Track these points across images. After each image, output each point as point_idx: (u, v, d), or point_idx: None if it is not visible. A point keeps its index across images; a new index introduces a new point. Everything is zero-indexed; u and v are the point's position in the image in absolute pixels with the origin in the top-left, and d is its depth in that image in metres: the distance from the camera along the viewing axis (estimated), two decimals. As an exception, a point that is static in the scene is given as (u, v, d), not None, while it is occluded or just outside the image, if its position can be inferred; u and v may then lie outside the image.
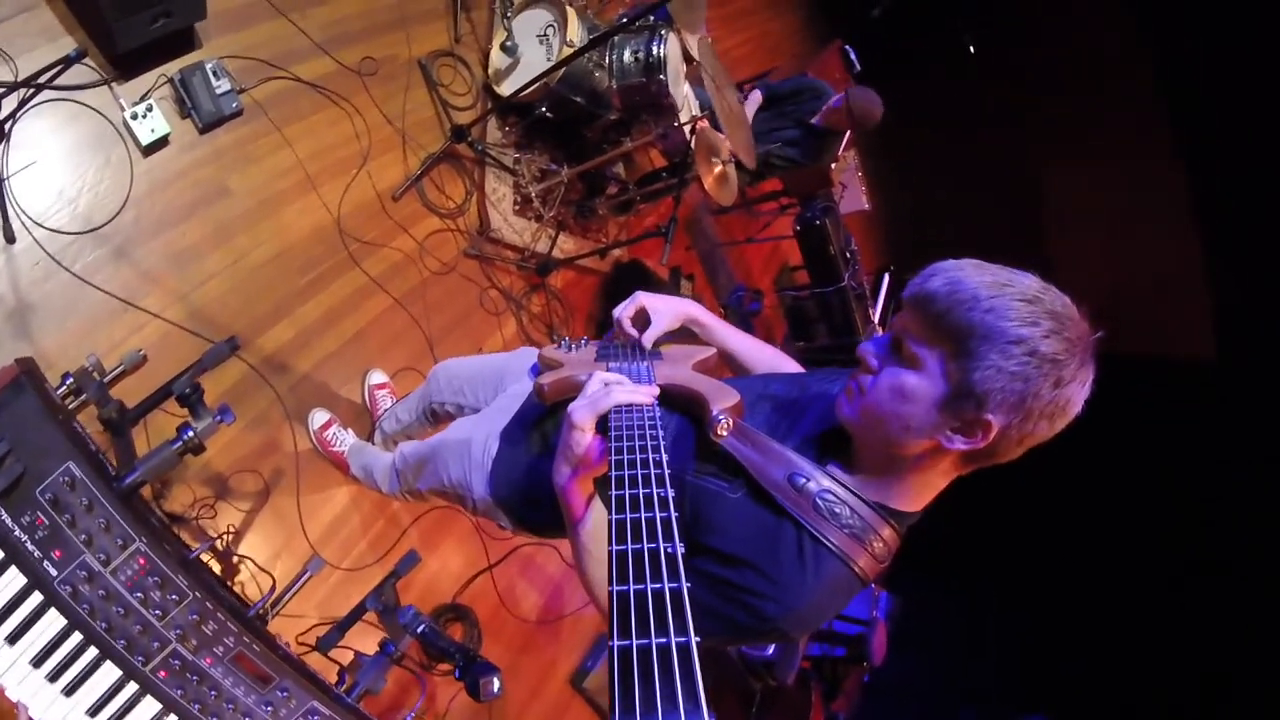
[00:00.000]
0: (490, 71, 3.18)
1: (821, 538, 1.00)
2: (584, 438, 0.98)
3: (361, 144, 2.74)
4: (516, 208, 3.24)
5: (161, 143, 2.26)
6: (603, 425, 0.96)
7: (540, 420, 1.43)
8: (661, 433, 0.89)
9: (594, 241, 3.63)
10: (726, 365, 1.42)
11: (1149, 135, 6.27)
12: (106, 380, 1.48)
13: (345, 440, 2.43)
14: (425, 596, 2.69)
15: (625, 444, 0.86)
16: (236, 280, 2.35)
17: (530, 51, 3.07)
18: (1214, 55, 5.66)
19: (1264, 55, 5.27)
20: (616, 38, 3.00)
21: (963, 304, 0.89)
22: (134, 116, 2.19)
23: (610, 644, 0.52)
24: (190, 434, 1.22)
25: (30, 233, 2.00)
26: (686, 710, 0.46)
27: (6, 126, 2.01)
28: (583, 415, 0.97)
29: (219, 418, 1.24)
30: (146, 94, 2.23)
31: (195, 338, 2.20)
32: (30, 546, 1.04)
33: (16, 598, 1.06)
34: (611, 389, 0.99)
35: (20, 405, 1.04)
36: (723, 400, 1.06)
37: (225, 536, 2.15)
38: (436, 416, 2.08)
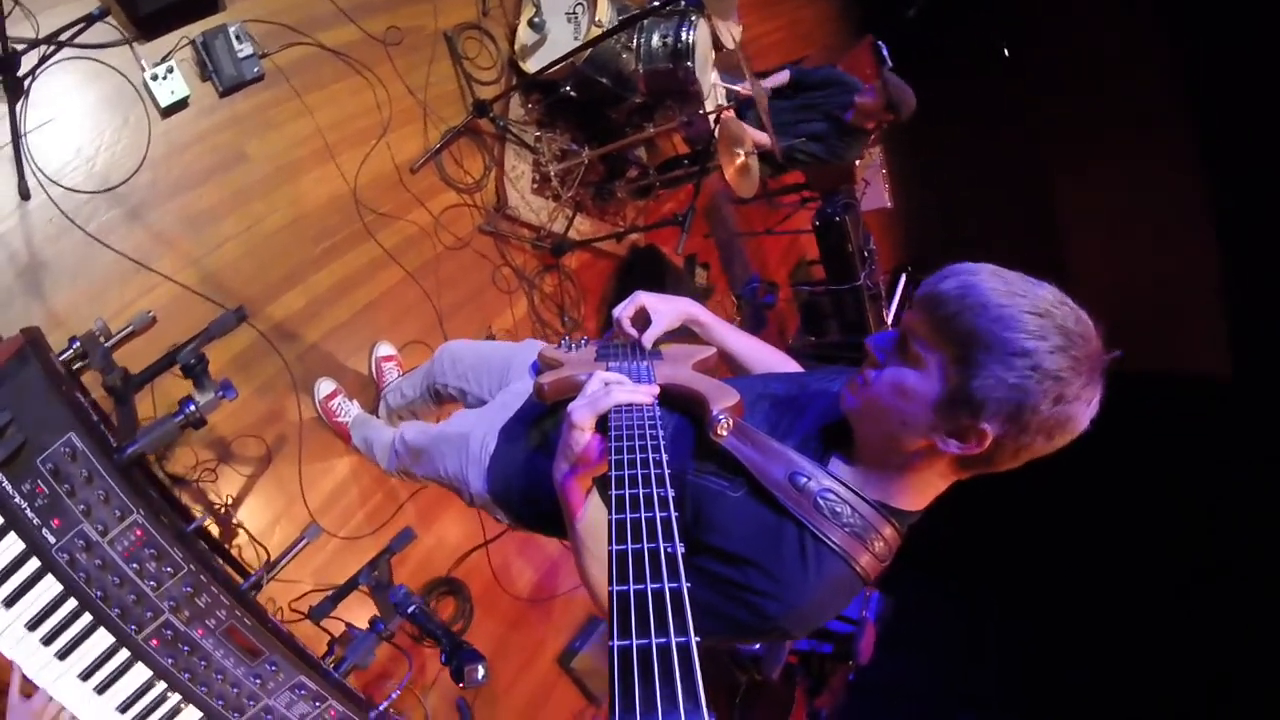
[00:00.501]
0: (516, 47, 3.15)
1: (823, 536, 1.00)
2: (584, 437, 0.98)
3: (382, 115, 2.73)
4: (535, 186, 3.23)
5: (181, 105, 2.25)
6: (602, 425, 0.96)
7: (540, 419, 1.43)
8: (662, 432, 0.89)
9: (611, 224, 3.61)
10: (726, 365, 1.42)
11: (1174, 147, 6.16)
12: (112, 344, 1.48)
13: (349, 411, 2.44)
14: (421, 568, 2.72)
15: (625, 443, 0.85)
16: (250, 246, 2.35)
17: (558, 29, 3.04)
18: (1245, 72, 5.54)
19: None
20: (646, 21, 2.96)
21: (971, 309, 0.88)
22: (154, 78, 2.19)
23: (610, 644, 0.52)
24: (192, 408, 1.23)
25: (45, 190, 1.99)
26: (686, 710, 0.46)
27: (26, 83, 1.99)
28: (583, 415, 0.97)
29: (221, 393, 1.25)
30: (167, 55, 2.22)
31: (206, 302, 2.21)
32: (30, 514, 1.05)
33: (14, 562, 1.07)
34: (611, 389, 0.98)
35: (25, 376, 1.05)
36: (723, 400, 1.06)
37: (225, 503, 2.18)
38: (439, 396, 2.09)
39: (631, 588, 0.57)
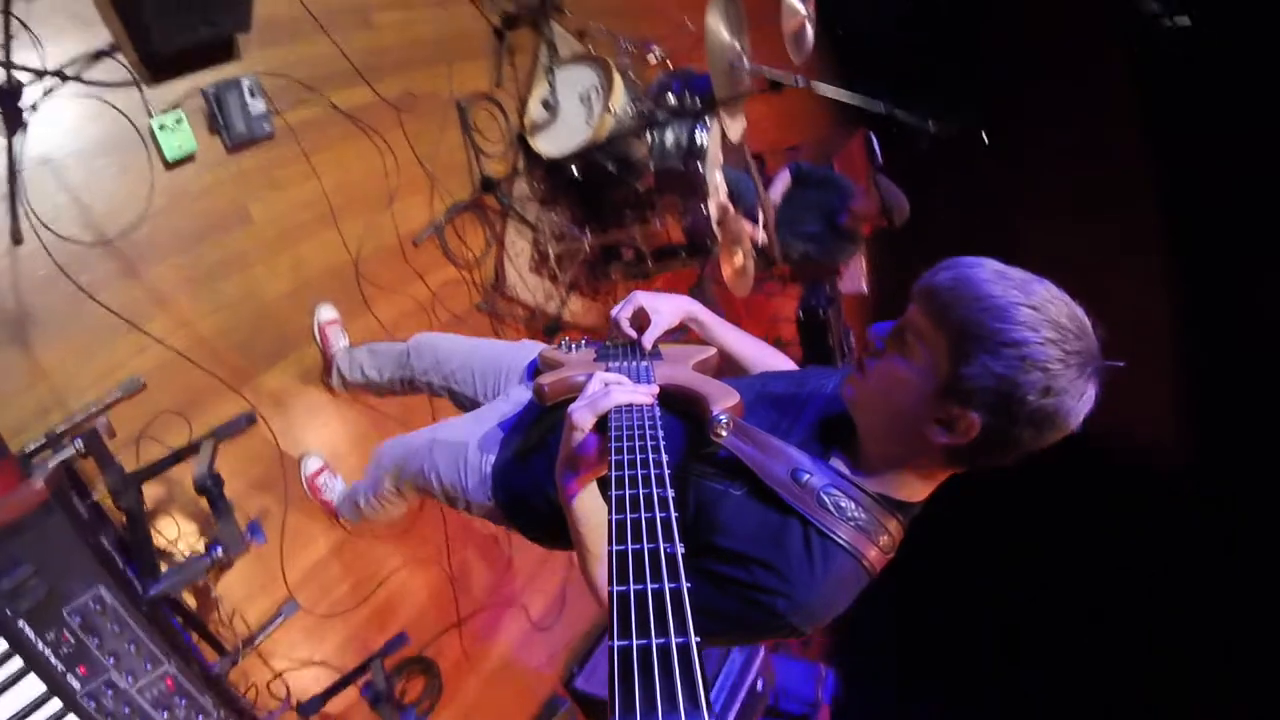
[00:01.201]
0: (526, 122, 3.13)
1: (828, 532, 1.00)
2: (584, 438, 0.96)
3: (389, 183, 2.66)
4: (533, 264, 3.18)
5: (186, 158, 2.14)
6: (602, 425, 0.94)
7: (540, 421, 1.41)
8: (662, 433, 0.88)
9: (603, 302, 3.58)
10: (726, 365, 1.42)
11: (1150, 241, 6.51)
12: (102, 409, 1.36)
13: (335, 488, 2.33)
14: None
15: (625, 444, 0.84)
16: (246, 313, 2.24)
17: (570, 110, 3.04)
18: (1220, 160, 5.91)
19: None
20: (662, 115, 2.97)
21: (964, 300, 0.90)
22: (161, 127, 2.08)
23: (610, 644, 0.51)
24: (219, 552, 1.13)
25: (39, 235, 1.85)
26: (686, 710, 0.45)
27: (25, 115, 1.87)
28: (582, 416, 0.95)
29: (250, 537, 1.15)
30: (177, 105, 2.12)
31: (198, 368, 2.08)
32: (55, 660, 0.96)
33: (35, 703, 0.97)
34: (611, 389, 0.97)
35: (49, 526, 0.97)
36: (723, 400, 1.06)
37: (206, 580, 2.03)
38: (414, 387, 2.02)
39: (631, 588, 0.56)
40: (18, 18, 1.83)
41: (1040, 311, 0.87)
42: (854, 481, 1.03)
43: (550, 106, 3.00)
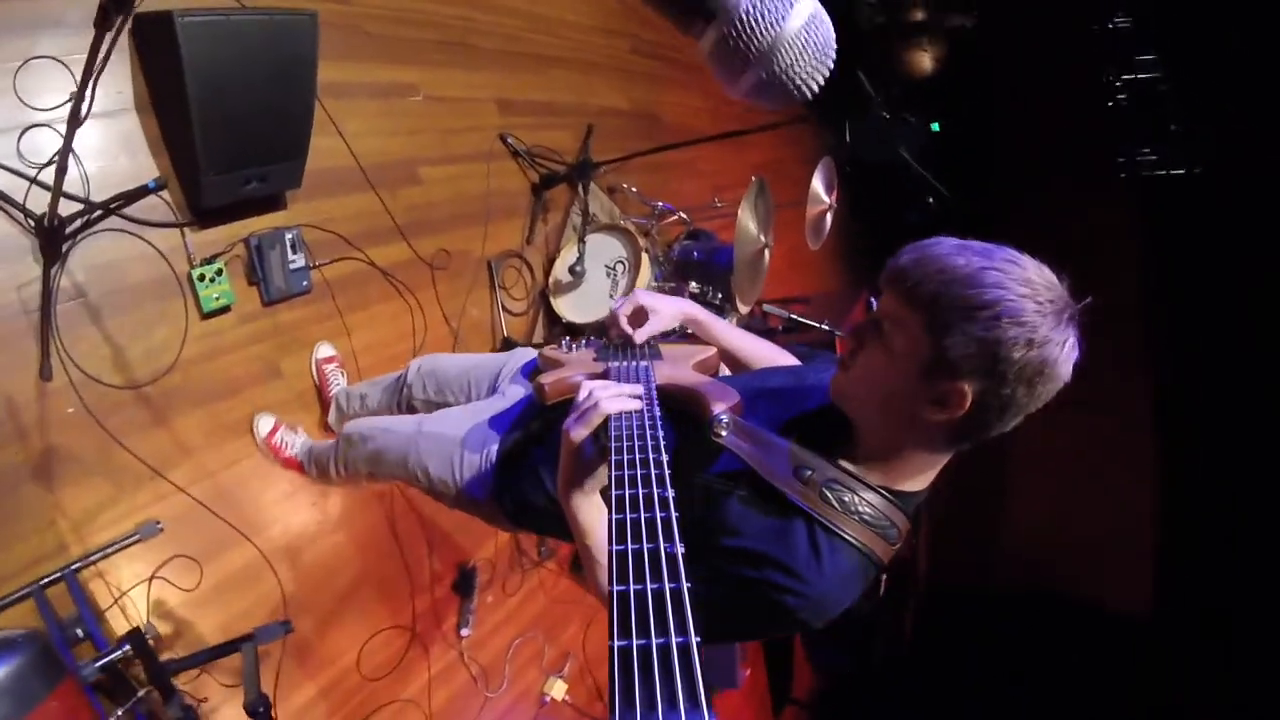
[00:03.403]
0: (550, 281, 3.22)
1: (833, 527, 1.00)
2: (581, 450, 0.97)
3: (414, 342, 2.71)
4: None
5: (223, 309, 2.18)
6: (602, 429, 0.93)
7: (540, 418, 1.39)
8: (662, 433, 0.87)
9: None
10: (726, 363, 1.41)
11: (1128, 406, 6.68)
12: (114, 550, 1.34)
13: (294, 443, 2.26)
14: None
15: (625, 444, 0.83)
16: (267, 466, 2.25)
17: (595, 279, 3.13)
18: (1202, 324, 6.15)
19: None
20: (685, 301, 3.07)
21: (930, 276, 0.92)
22: (201, 278, 2.11)
23: (610, 643, 0.51)
24: None
25: (68, 373, 1.86)
26: (687, 710, 0.45)
27: (65, 246, 1.89)
28: (577, 431, 0.95)
29: None
30: (218, 254, 2.15)
31: (216, 519, 2.10)
32: None
33: None
34: (600, 402, 0.95)
35: None
36: (723, 399, 1.07)
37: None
38: (411, 409, 1.98)
39: (631, 588, 0.56)
40: (74, 151, 1.87)
41: (1005, 272, 0.89)
42: (856, 475, 1.04)
43: (577, 273, 3.09)
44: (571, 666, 3.40)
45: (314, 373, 2.41)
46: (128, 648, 1.42)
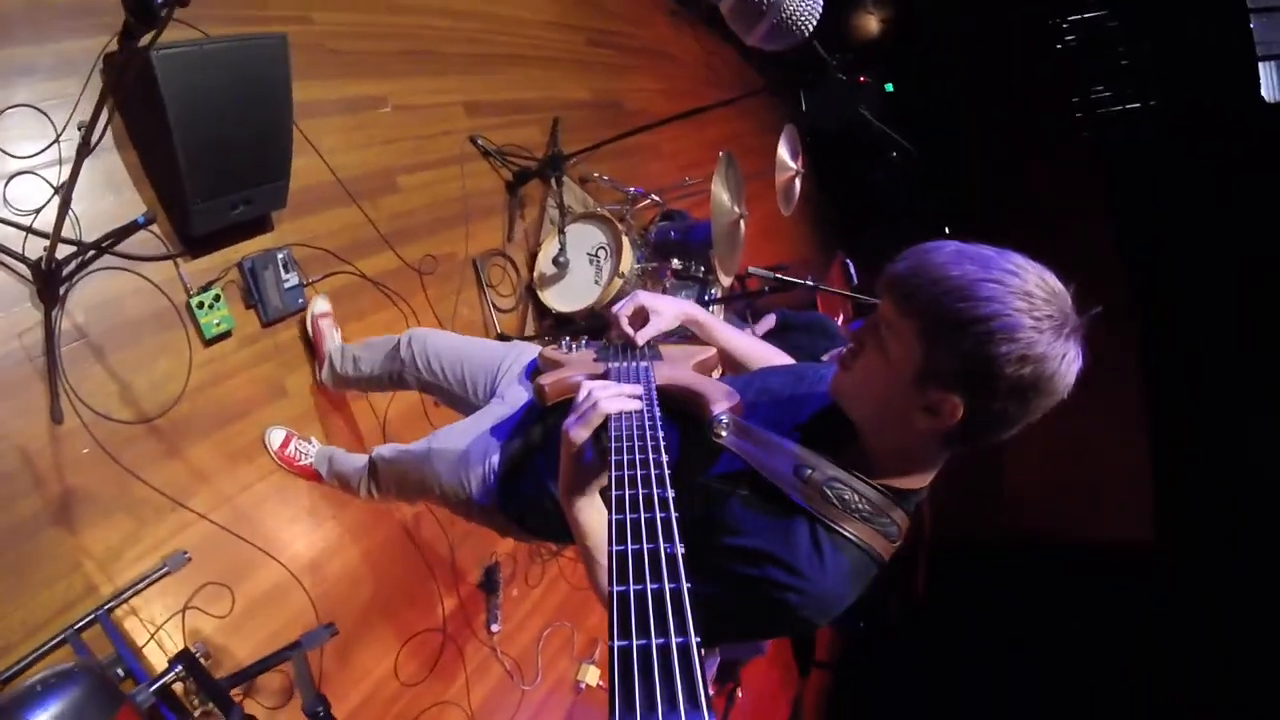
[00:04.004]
0: (535, 275, 3.26)
1: (834, 526, 1.01)
2: (581, 452, 0.97)
3: (413, 347, 2.73)
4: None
5: (224, 335, 2.20)
6: (601, 430, 0.94)
7: (542, 423, 1.41)
8: (662, 434, 0.87)
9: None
10: (726, 364, 1.42)
11: (1113, 341, 6.84)
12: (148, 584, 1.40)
13: (309, 451, 2.28)
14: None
15: (625, 444, 0.84)
16: (283, 483, 2.28)
17: (579, 268, 3.17)
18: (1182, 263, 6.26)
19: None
20: (669, 282, 3.12)
21: (924, 286, 0.91)
22: (199, 306, 2.12)
23: (610, 644, 0.51)
24: None
25: (79, 414, 1.88)
26: (687, 710, 0.45)
27: (62, 290, 1.90)
28: (577, 432, 0.95)
29: None
30: (214, 281, 2.18)
31: (240, 542, 2.13)
32: None
33: None
34: (599, 401, 0.95)
35: None
36: (723, 400, 1.07)
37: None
38: (402, 381, 2.01)
39: (631, 588, 0.56)
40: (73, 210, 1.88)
41: (1002, 284, 0.87)
42: (856, 474, 1.04)
43: (560, 264, 3.13)
44: (601, 651, 3.46)
45: (309, 328, 2.41)
46: (180, 668, 1.44)
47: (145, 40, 1.04)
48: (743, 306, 3.98)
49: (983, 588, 6.56)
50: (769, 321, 3.98)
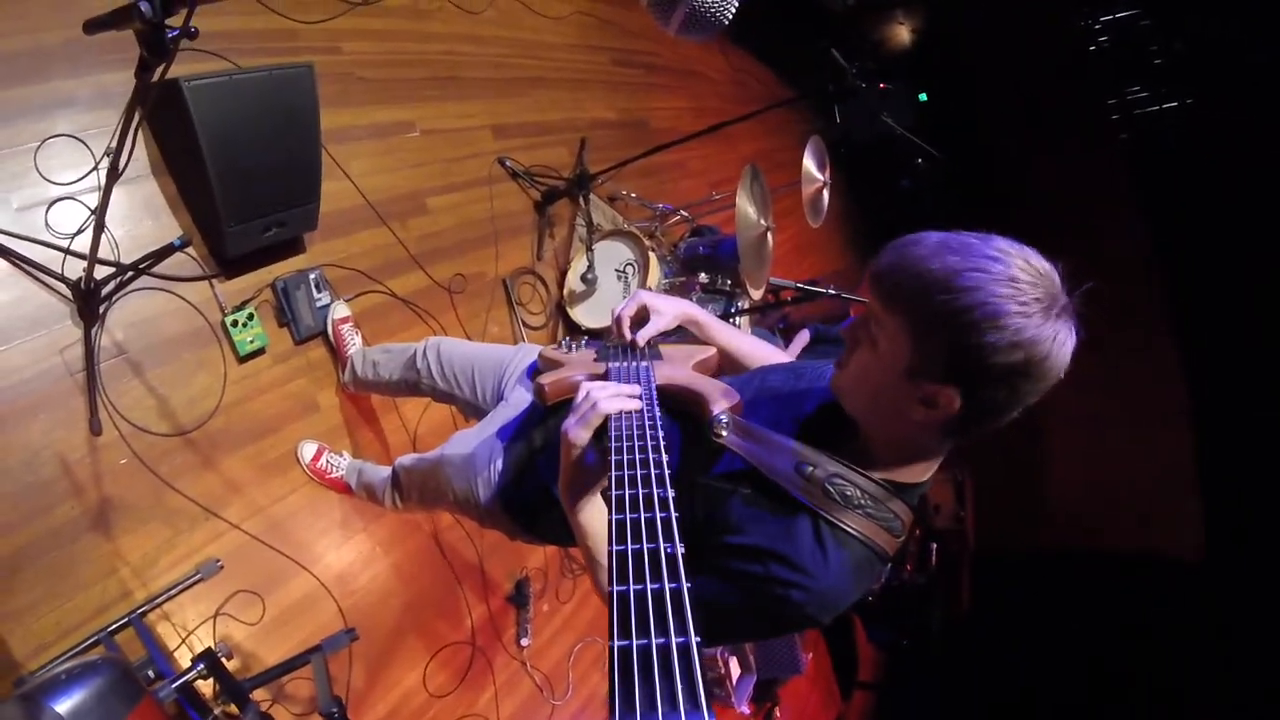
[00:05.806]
0: (565, 292, 3.30)
1: (837, 521, 1.00)
2: (581, 453, 0.96)
3: (442, 364, 2.78)
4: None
5: (258, 352, 2.28)
6: (601, 431, 0.94)
7: (544, 425, 1.41)
8: (662, 434, 0.86)
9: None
10: (726, 364, 1.41)
11: (1159, 354, 6.62)
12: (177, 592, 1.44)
13: (339, 464, 2.33)
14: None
15: (625, 444, 0.83)
16: (315, 495, 2.34)
17: (607, 284, 3.21)
18: (1222, 266, 6.07)
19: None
20: (696, 295, 3.14)
21: (907, 280, 0.90)
22: (234, 324, 2.21)
23: (610, 644, 0.51)
24: None
25: (117, 427, 1.97)
26: (687, 710, 0.45)
27: (102, 308, 1.99)
28: (577, 433, 0.95)
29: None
30: (248, 300, 2.26)
31: (272, 553, 2.19)
32: None
33: None
34: (599, 402, 0.94)
35: None
36: (723, 399, 1.06)
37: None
38: (418, 390, 2.04)
39: (631, 588, 0.56)
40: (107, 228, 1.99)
41: (985, 272, 0.86)
42: (858, 469, 1.03)
43: (589, 280, 3.17)
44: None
45: (330, 333, 2.45)
46: (201, 666, 1.48)
47: (158, 74, 1.10)
48: (774, 321, 3.99)
49: (1028, 602, 6.40)
50: (804, 338, 3.96)
